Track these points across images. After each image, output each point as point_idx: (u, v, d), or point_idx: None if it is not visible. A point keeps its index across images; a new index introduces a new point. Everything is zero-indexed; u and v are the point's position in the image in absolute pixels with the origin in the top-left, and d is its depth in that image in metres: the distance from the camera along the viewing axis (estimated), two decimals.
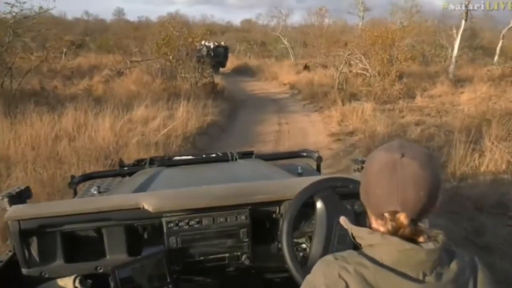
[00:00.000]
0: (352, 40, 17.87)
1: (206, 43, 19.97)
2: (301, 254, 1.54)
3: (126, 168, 2.50)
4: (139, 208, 1.55)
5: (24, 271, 1.56)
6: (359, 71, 14.11)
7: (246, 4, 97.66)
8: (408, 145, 0.87)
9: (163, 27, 11.28)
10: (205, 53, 19.09)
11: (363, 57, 13.97)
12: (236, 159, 2.46)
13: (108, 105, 8.28)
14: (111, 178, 2.51)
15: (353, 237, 0.90)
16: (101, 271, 1.57)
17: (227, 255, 1.61)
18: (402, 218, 0.83)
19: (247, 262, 1.60)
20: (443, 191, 2.85)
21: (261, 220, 1.65)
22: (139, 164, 2.52)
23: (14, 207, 1.56)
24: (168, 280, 1.51)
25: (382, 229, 0.86)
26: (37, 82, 12.19)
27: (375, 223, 0.89)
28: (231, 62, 24.38)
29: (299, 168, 2.33)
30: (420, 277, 0.81)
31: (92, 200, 1.79)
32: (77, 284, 1.50)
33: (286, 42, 26.62)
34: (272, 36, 32.30)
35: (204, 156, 2.69)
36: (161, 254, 1.53)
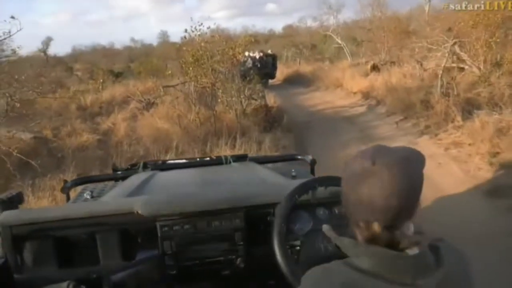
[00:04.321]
0: (422, 29, 13.80)
1: (251, 54, 16.66)
2: (295, 256, 1.38)
3: (119, 173, 2.42)
4: (133, 213, 1.49)
5: (16, 277, 1.48)
6: (453, 65, 10.06)
7: (285, 11, 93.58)
8: (384, 150, 0.81)
9: (190, 43, 7.98)
10: (250, 65, 15.81)
11: (456, 47, 9.93)
12: (230, 162, 2.38)
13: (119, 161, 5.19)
14: (105, 182, 2.39)
15: (337, 247, 0.87)
16: (94, 276, 1.45)
17: (222, 258, 1.52)
18: (375, 226, 0.79)
19: (242, 265, 1.53)
20: None
21: (256, 223, 1.54)
22: (132, 168, 2.43)
23: (6, 212, 1.50)
24: (163, 285, 1.47)
25: (359, 237, 0.83)
26: (51, 129, 9.45)
27: (355, 230, 0.84)
28: (280, 71, 20.74)
29: (293, 171, 2.21)
30: (409, 282, 0.76)
31: (85, 205, 1.75)
32: None
33: (339, 41, 22.65)
34: (319, 37, 28.47)
35: (198, 159, 2.64)
36: (156, 258, 1.48)
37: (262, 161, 2.56)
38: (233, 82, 7.70)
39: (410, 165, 0.80)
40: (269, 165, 2.63)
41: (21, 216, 1.49)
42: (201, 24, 7.50)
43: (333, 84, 14.49)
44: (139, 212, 1.48)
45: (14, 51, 5.65)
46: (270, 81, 17.87)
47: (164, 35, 48.37)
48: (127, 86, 16.45)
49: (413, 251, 0.78)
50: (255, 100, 8.31)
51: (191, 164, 2.46)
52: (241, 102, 7.73)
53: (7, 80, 5.47)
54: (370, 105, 10.48)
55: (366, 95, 11.43)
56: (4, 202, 1.57)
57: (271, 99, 10.11)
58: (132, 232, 1.55)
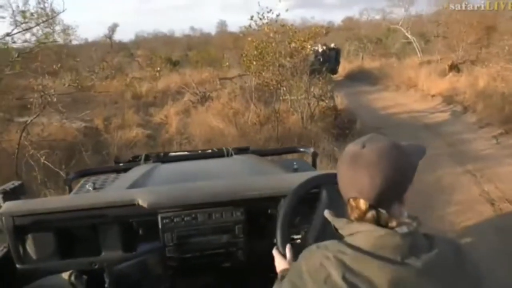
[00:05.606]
0: None
1: (313, 47, 15.30)
2: (296, 249, 1.26)
3: (121, 165, 2.40)
4: (134, 204, 1.47)
5: (18, 267, 1.47)
6: None
7: (344, 3, 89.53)
8: (376, 137, 0.87)
9: (254, 33, 6.86)
10: (312, 59, 14.53)
11: None
12: (231, 155, 2.35)
13: None
14: (107, 174, 2.34)
15: (336, 230, 0.89)
16: (96, 267, 1.47)
17: (222, 251, 1.51)
18: (361, 203, 0.83)
19: (242, 258, 1.52)
20: None
21: (257, 216, 1.54)
22: (134, 161, 2.42)
23: (8, 203, 1.49)
24: (164, 277, 1.47)
25: (352, 216, 0.87)
26: (104, 118, 8.88)
27: (349, 210, 0.88)
28: (342, 67, 19.09)
29: (294, 163, 2.21)
30: (399, 260, 0.78)
31: (87, 196, 1.74)
32: (72, 280, 1.41)
33: (409, 36, 20.58)
34: (381, 31, 26.26)
35: (199, 152, 2.64)
36: (157, 250, 1.47)
37: (264, 153, 2.55)
38: (301, 80, 6.52)
39: (400, 153, 0.83)
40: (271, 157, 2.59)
41: (24, 206, 1.47)
42: (270, 10, 6.35)
43: (405, 84, 12.80)
44: (140, 203, 1.46)
45: (46, 36, 4.91)
46: (332, 76, 16.44)
47: (222, 25, 47.86)
48: (183, 75, 15.81)
49: (402, 229, 0.79)
50: (323, 101, 7.09)
51: (193, 157, 2.43)
52: (308, 104, 6.54)
53: (41, 69, 4.71)
54: (455, 112, 8.85)
55: (447, 99, 9.77)
56: (6, 193, 1.55)
57: (338, 99, 8.81)
58: (134, 224, 1.52)
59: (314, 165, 2.43)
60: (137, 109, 10.40)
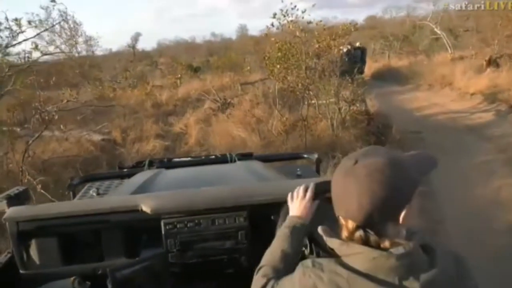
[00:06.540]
0: None
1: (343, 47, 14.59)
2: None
3: (125, 170, 2.40)
4: (138, 210, 1.47)
5: (22, 272, 1.47)
6: None
7: (367, 2, 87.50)
8: (373, 151, 0.80)
9: (275, 34, 6.30)
10: (337, 59, 13.87)
11: None
12: (235, 161, 2.36)
13: None
14: (110, 180, 2.35)
15: (331, 248, 0.84)
16: (99, 273, 1.46)
17: (225, 257, 1.51)
18: (349, 224, 0.79)
19: (245, 264, 1.51)
20: None
21: (260, 222, 1.50)
22: (138, 166, 2.41)
23: (13, 208, 1.48)
24: (167, 282, 1.46)
25: (343, 234, 0.83)
26: (122, 130, 8.53)
27: (340, 228, 0.84)
28: (368, 66, 18.22)
29: (298, 169, 2.22)
30: (397, 282, 0.75)
31: (90, 202, 1.73)
32: (75, 285, 1.41)
33: (438, 31, 19.52)
34: (406, 27, 25.19)
35: (203, 157, 2.69)
36: (160, 256, 1.46)
37: (267, 159, 2.53)
38: (329, 83, 5.90)
39: (396, 169, 0.76)
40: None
41: (28, 212, 1.46)
42: (295, 7, 5.74)
43: (438, 82, 11.91)
44: (144, 209, 1.45)
45: (36, 47, 4.49)
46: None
47: (243, 29, 47.51)
48: (204, 81, 15.38)
49: (398, 250, 0.74)
50: (354, 104, 6.44)
51: (197, 162, 2.42)
52: (338, 109, 5.91)
53: (38, 83, 4.29)
54: (499, 112, 7.99)
55: (489, 97, 8.89)
56: (11, 198, 1.51)
57: (369, 102, 8.12)
58: (137, 229, 1.52)
59: (317, 171, 2.41)
60: (157, 118, 10.05)
